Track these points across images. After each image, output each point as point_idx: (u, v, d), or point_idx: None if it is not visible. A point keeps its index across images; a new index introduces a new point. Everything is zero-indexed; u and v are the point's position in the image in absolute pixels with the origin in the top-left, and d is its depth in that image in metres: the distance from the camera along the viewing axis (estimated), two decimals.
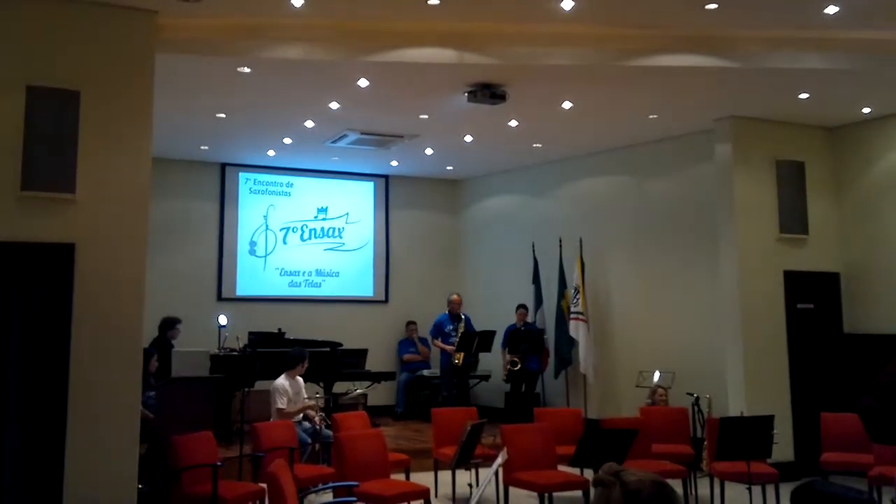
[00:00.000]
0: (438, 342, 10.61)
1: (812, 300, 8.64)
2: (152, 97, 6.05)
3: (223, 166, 11.28)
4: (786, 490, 6.25)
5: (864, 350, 8.41)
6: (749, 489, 6.01)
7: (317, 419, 7.49)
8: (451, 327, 10.50)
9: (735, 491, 6.42)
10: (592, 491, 1.86)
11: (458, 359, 10.16)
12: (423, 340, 11.42)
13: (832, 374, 8.56)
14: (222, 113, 8.52)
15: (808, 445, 7.82)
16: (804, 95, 7.71)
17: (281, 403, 7.42)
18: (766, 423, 6.10)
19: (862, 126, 8.69)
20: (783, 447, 7.60)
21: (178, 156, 10.63)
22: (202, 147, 10.27)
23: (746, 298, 8.29)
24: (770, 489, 6.34)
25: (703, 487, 7.17)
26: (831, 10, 6.12)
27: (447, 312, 10.69)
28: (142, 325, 5.94)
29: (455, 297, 10.74)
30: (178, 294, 10.29)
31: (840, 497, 2.10)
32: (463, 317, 10.54)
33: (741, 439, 5.98)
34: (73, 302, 5.61)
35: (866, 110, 8.32)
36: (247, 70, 7.01)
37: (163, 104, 6.77)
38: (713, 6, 6.10)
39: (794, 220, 8.58)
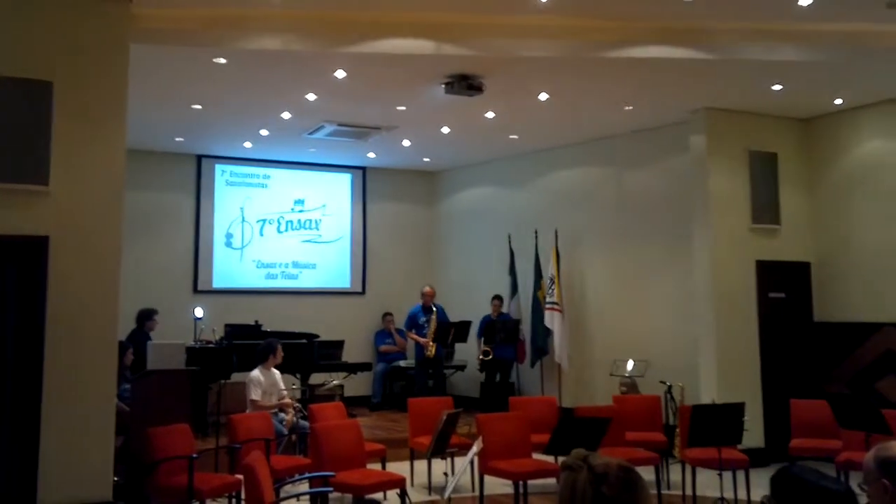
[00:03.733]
0: (412, 334, 10.65)
1: (783, 289, 8.76)
2: (127, 88, 6.01)
3: (199, 158, 11.20)
4: (756, 476, 6.38)
5: (834, 338, 8.56)
6: (720, 475, 6.10)
7: (288, 418, 7.50)
8: (424, 319, 10.54)
9: (706, 477, 6.51)
10: (560, 476, 1.89)
11: (431, 350, 10.21)
12: (400, 332, 11.44)
13: (802, 361, 8.70)
14: (198, 104, 8.46)
15: (778, 432, 7.94)
16: (777, 87, 7.79)
17: (255, 395, 7.43)
18: (736, 410, 6.20)
19: (834, 117, 8.80)
20: (754, 434, 7.72)
21: (154, 147, 10.54)
22: (178, 138, 10.20)
23: (719, 288, 8.39)
24: (741, 475, 6.46)
25: (675, 474, 7.27)
26: (805, 1, 6.17)
27: (420, 304, 10.72)
28: (117, 318, 5.91)
29: (428, 289, 10.77)
30: (154, 286, 10.22)
31: (819, 487, 2.14)
32: (435, 308, 10.58)
33: (712, 426, 6.08)
34: (47, 295, 5.57)
35: (838, 101, 8.42)
36: (223, 61, 6.97)
37: (137, 95, 6.71)
38: None
39: (766, 210, 8.69)
